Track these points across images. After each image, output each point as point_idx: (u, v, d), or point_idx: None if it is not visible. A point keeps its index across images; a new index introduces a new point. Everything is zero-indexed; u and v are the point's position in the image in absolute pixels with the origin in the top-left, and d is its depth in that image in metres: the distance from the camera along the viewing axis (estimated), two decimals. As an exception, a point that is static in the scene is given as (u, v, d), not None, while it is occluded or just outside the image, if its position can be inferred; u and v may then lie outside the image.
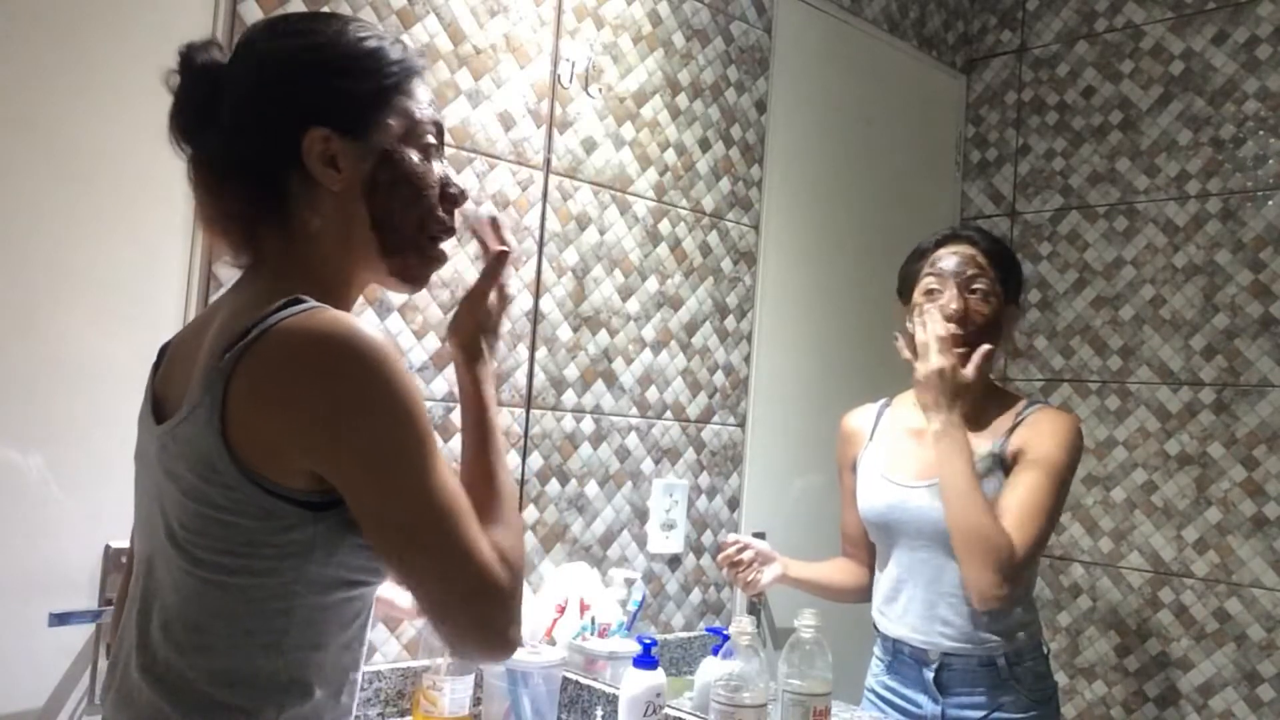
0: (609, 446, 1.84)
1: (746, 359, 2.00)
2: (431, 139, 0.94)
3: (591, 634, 1.62)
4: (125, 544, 1.01)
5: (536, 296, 1.76)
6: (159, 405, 0.91)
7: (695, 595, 1.91)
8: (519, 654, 1.48)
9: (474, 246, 1.63)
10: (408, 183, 0.91)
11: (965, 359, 1.43)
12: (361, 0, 1.57)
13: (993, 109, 2.09)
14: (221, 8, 1.43)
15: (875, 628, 1.55)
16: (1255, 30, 1.74)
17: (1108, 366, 1.85)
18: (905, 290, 1.56)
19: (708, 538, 1.92)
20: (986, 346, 1.44)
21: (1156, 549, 1.75)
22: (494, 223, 1.03)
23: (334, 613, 0.86)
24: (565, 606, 1.63)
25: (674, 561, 1.89)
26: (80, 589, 1.32)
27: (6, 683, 1.27)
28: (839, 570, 1.66)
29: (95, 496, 1.32)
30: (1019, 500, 1.39)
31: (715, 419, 1.96)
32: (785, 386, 2.02)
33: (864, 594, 1.59)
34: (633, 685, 1.42)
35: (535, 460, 1.76)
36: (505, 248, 1.02)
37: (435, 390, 1.65)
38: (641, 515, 1.87)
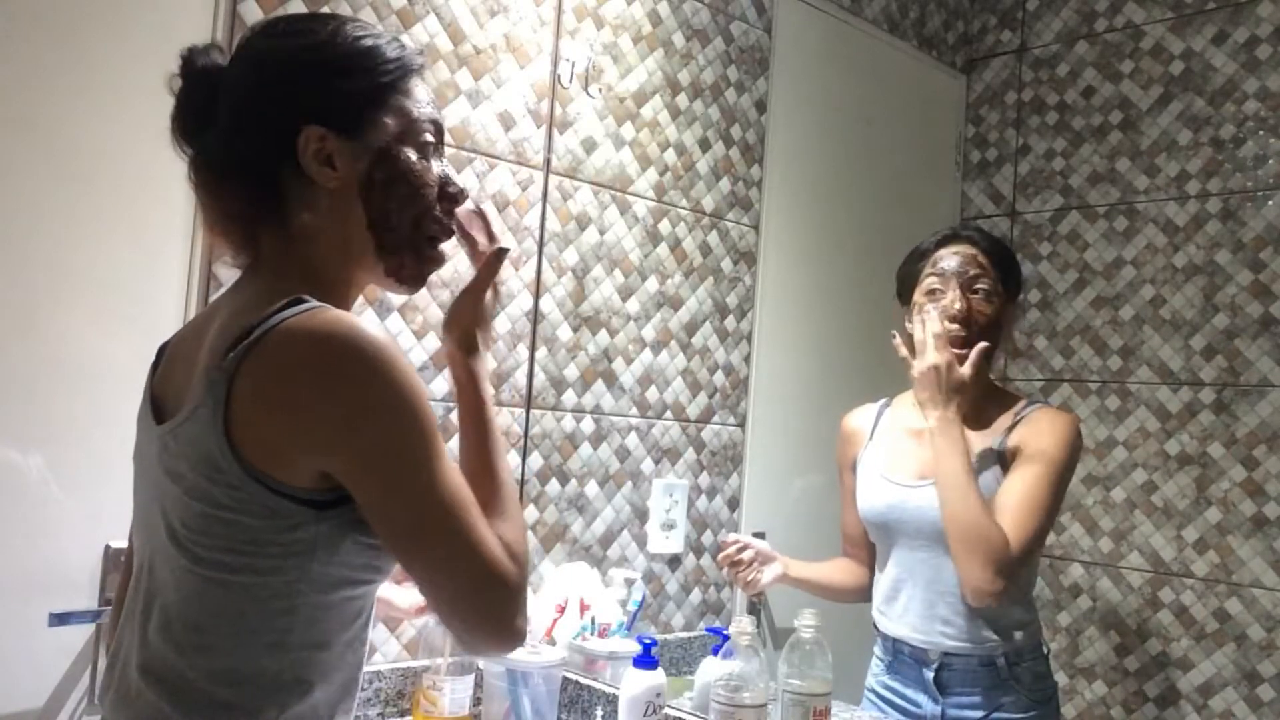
0: (609, 446, 1.84)
1: (746, 359, 2.00)
2: (430, 138, 0.94)
3: (591, 634, 1.62)
4: (125, 544, 1.01)
5: (536, 296, 1.76)
6: (158, 405, 0.91)
7: (695, 595, 1.91)
8: (519, 654, 1.48)
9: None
10: (404, 181, 0.91)
11: (963, 358, 1.43)
12: (361, 0, 1.57)
13: (993, 109, 2.09)
14: (221, 8, 1.43)
15: (875, 628, 1.55)
16: (1255, 30, 1.74)
17: (1108, 366, 1.85)
18: (905, 291, 1.56)
19: (708, 538, 1.92)
20: (984, 344, 1.44)
21: (1156, 549, 1.74)
22: (481, 215, 1.03)
23: (337, 611, 0.86)
24: (565, 606, 1.63)
25: (674, 561, 1.89)
26: (80, 589, 1.32)
27: (6, 683, 1.27)
28: (839, 570, 1.66)
29: (95, 496, 1.32)
30: (1015, 496, 1.39)
31: (715, 419, 1.96)
32: (785, 386, 2.02)
33: (864, 594, 1.59)
34: (633, 685, 1.42)
35: (535, 460, 1.76)
36: (501, 245, 1.02)
37: (436, 390, 1.65)
38: (641, 515, 1.87)
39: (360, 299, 1.45)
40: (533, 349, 1.76)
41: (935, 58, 2.17)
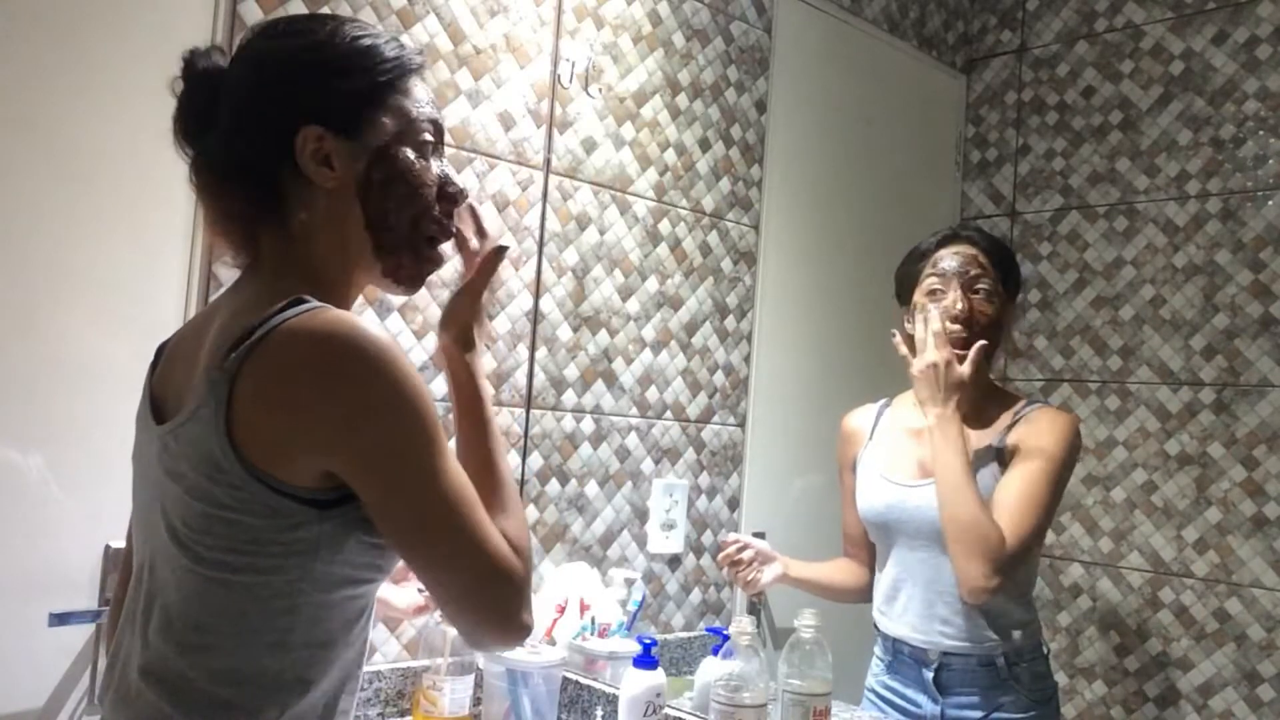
0: (609, 446, 1.84)
1: (746, 359, 2.00)
2: (429, 137, 0.94)
3: (591, 634, 1.62)
4: (124, 544, 1.01)
5: (536, 296, 1.76)
6: (158, 405, 0.91)
7: (695, 595, 1.91)
8: (519, 654, 1.48)
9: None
10: (402, 181, 0.91)
11: (963, 356, 1.43)
12: (362, 0, 1.57)
13: (993, 109, 2.09)
14: (221, 8, 1.43)
15: (875, 627, 1.55)
16: (1255, 30, 1.74)
17: (1108, 366, 1.85)
18: (904, 291, 1.56)
19: (708, 538, 1.92)
20: (982, 342, 1.44)
21: (1156, 549, 1.74)
22: (473, 212, 1.02)
23: (338, 611, 0.86)
24: (565, 606, 1.63)
25: (674, 561, 1.89)
26: (80, 589, 1.32)
27: (6, 683, 1.27)
28: (839, 570, 1.66)
29: (95, 496, 1.32)
30: (1013, 493, 1.39)
31: (715, 419, 1.96)
32: (785, 386, 2.02)
33: (864, 594, 1.59)
34: (633, 685, 1.42)
35: (535, 460, 1.76)
36: (501, 243, 1.02)
37: (436, 390, 1.65)
38: (641, 515, 1.87)
39: (360, 299, 1.45)
40: (533, 349, 1.76)
41: (935, 58, 2.17)
